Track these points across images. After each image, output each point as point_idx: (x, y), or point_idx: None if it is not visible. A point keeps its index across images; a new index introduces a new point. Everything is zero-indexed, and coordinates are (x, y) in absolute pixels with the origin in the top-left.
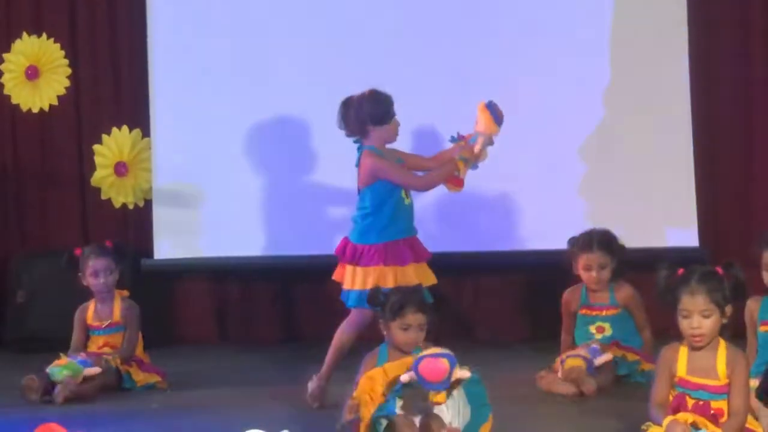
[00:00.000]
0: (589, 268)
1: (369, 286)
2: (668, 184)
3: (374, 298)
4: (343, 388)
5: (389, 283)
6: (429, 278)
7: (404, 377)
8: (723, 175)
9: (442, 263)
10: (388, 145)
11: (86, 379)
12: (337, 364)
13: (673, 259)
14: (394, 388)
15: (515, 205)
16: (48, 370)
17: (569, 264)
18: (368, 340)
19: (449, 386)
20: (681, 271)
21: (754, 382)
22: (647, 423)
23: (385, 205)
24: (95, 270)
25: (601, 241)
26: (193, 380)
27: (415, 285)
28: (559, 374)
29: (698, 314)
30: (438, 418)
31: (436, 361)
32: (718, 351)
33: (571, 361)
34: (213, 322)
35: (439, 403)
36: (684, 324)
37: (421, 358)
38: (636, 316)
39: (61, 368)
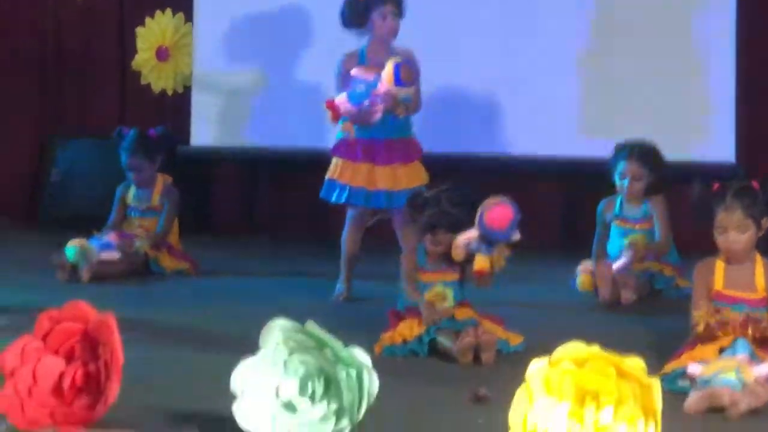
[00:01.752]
0: (624, 176)
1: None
2: (704, 93)
3: (410, 203)
4: (366, 283)
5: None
6: (415, 177)
7: (463, 239)
8: (766, 88)
9: (481, 165)
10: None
11: (106, 262)
12: (351, 263)
13: (708, 175)
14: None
15: (553, 108)
16: (65, 248)
17: (610, 171)
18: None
19: (510, 236)
20: (716, 186)
21: None
22: (696, 313)
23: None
24: (129, 166)
25: (641, 152)
26: (223, 268)
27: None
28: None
29: (734, 230)
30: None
31: (500, 207)
32: (756, 265)
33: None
34: (247, 212)
35: (482, 273)
36: (721, 240)
37: (485, 209)
38: (658, 222)
39: (73, 248)
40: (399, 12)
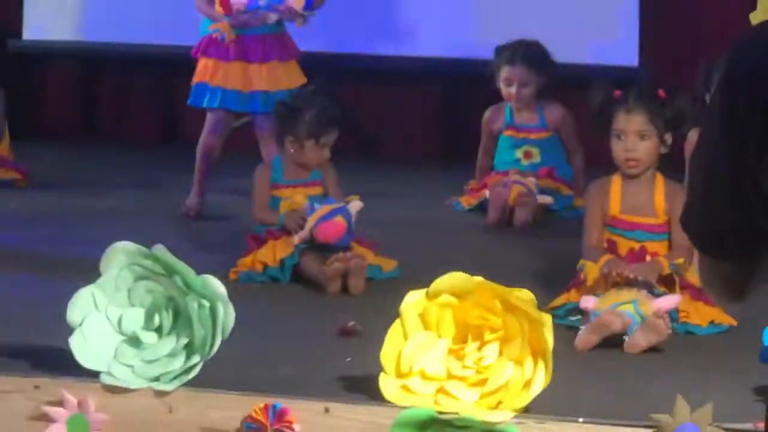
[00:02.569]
0: (510, 83)
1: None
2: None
3: (280, 109)
4: (223, 197)
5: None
6: (294, 78)
7: (297, 239)
8: None
9: (341, 63)
10: None
11: None
12: (207, 174)
13: (609, 79)
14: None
15: (431, 3)
16: None
17: (492, 77)
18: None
19: (348, 241)
20: (618, 93)
21: None
22: (582, 261)
23: None
24: None
25: (526, 54)
26: (58, 179)
27: (317, 93)
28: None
29: (634, 135)
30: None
31: (330, 223)
32: (656, 185)
33: (520, 186)
34: (84, 114)
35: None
36: (618, 147)
37: (316, 223)
38: (567, 139)
39: None
40: None
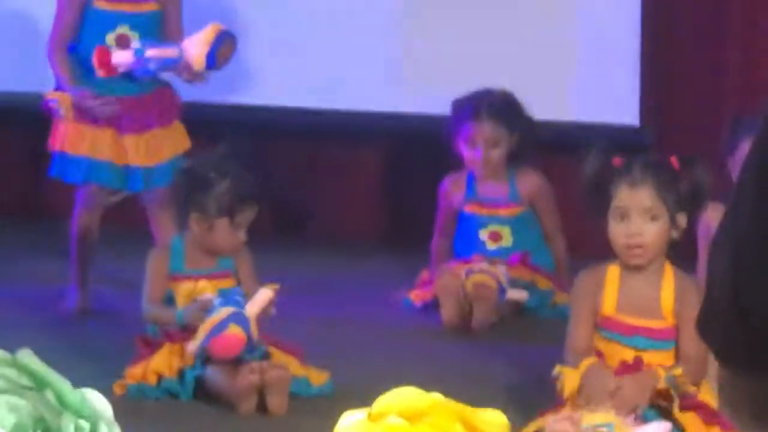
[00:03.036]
0: (474, 143)
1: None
2: (597, 31)
3: (182, 179)
4: (107, 290)
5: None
6: (178, 144)
7: (191, 347)
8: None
9: (255, 119)
10: None
11: None
12: (86, 261)
13: (605, 141)
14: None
15: (379, 52)
16: None
17: (449, 138)
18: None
19: (255, 352)
20: (618, 160)
21: None
22: (558, 368)
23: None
24: None
25: (493, 106)
26: None
27: (229, 159)
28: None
29: (640, 214)
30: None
31: (223, 338)
32: (663, 278)
33: (482, 276)
34: None
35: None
36: (618, 230)
37: (207, 337)
38: (545, 217)
39: None
40: None
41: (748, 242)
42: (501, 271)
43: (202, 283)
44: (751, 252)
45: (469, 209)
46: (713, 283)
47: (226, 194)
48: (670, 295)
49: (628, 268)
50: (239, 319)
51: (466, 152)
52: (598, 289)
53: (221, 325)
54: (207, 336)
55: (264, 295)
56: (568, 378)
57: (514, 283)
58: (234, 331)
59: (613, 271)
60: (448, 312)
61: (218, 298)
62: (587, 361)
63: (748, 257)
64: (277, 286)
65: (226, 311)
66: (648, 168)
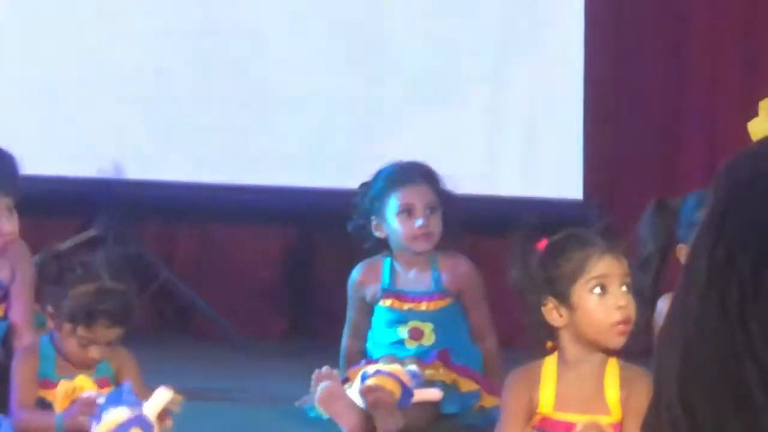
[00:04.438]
0: (412, 209)
1: None
2: (531, 90)
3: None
4: None
5: None
6: None
7: None
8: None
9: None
10: None
11: None
12: None
13: (538, 218)
14: None
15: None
16: None
17: (361, 220)
18: None
19: None
20: (543, 243)
21: None
22: None
23: None
24: None
25: (427, 171)
26: None
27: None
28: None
29: (621, 286)
30: None
31: None
32: (607, 368)
33: (379, 379)
34: None
35: None
36: (600, 306)
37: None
38: (473, 311)
39: None
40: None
41: (699, 333)
42: (403, 371)
43: (81, 379)
44: (700, 345)
45: (386, 303)
46: (660, 381)
47: (82, 299)
48: (614, 385)
49: (565, 362)
50: (142, 422)
51: (403, 226)
52: (533, 386)
53: (120, 430)
54: None
55: (163, 395)
56: None
57: (431, 385)
58: None
59: (549, 366)
60: (348, 426)
61: (104, 397)
62: None
63: (698, 351)
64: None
65: (121, 413)
66: (615, 236)
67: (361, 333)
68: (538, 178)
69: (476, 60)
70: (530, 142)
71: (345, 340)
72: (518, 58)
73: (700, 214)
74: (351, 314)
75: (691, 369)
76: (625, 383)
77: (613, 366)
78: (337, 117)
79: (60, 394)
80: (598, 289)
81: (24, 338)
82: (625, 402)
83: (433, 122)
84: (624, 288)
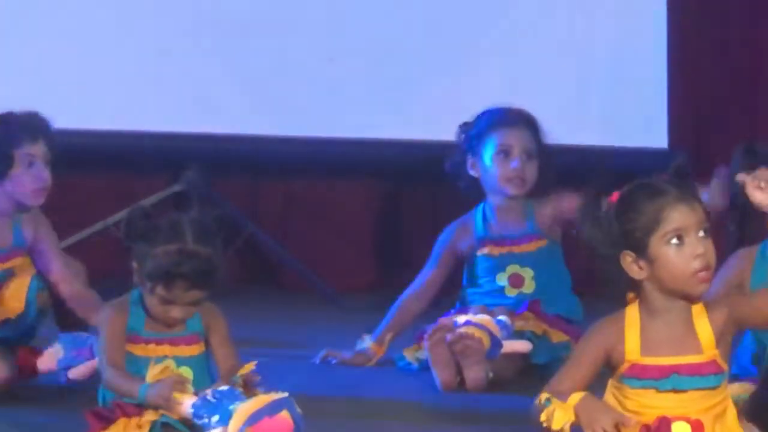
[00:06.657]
0: (509, 151)
1: None
2: (617, 41)
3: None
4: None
5: None
6: None
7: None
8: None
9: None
10: None
11: None
12: None
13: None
14: None
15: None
16: None
17: (458, 157)
18: None
19: None
20: (615, 196)
21: (741, 387)
22: (546, 394)
23: None
24: None
25: (527, 116)
26: None
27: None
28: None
29: (698, 233)
30: None
31: (276, 420)
32: (693, 309)
33: (469, 329)
34: None
35: None
36: (680, 257)
37: (254, 418)
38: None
39: None
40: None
41: None
42: (500, 320)
43: (164, 348)
44: None
45: (483, 250)
46: None
47: (162, 259)
48: (705, 323)
49: (650, 311)
50: (289, 405)
51: (499, 166)
52: (618, 336)
53: (270, 410)
54: (246, 422)
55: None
56: (560, 409)
57: (520, 336)
58: (284, 416)
59: (631, 315)
60: (440, 375)
61: (202, 398)
62: (577, 395)
63: None
64: (253, 365)
65: (263, 399)
66: (688, 186)
67: (428, 294)
68: (624, 128)
69: (562, 10)
70: (615, 91)
71: (406, 295)
72: (603, 9)
73: None
74: (428, 271)
75: None
76: (714, 316)
77: (699, 307)
78: (424, 69)
79: (153, 368)
80: (675, 240)
81: (68, 284)
82: (719, 335)
83: (517, 72)
84: (702, 233)
